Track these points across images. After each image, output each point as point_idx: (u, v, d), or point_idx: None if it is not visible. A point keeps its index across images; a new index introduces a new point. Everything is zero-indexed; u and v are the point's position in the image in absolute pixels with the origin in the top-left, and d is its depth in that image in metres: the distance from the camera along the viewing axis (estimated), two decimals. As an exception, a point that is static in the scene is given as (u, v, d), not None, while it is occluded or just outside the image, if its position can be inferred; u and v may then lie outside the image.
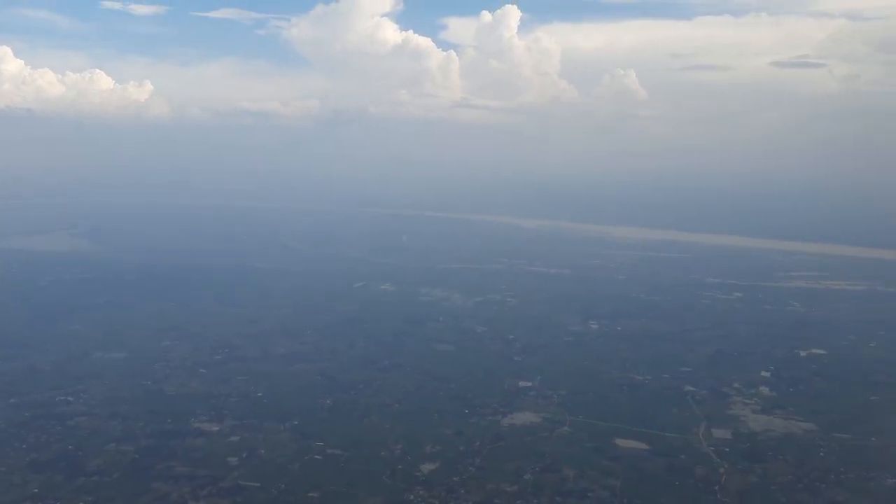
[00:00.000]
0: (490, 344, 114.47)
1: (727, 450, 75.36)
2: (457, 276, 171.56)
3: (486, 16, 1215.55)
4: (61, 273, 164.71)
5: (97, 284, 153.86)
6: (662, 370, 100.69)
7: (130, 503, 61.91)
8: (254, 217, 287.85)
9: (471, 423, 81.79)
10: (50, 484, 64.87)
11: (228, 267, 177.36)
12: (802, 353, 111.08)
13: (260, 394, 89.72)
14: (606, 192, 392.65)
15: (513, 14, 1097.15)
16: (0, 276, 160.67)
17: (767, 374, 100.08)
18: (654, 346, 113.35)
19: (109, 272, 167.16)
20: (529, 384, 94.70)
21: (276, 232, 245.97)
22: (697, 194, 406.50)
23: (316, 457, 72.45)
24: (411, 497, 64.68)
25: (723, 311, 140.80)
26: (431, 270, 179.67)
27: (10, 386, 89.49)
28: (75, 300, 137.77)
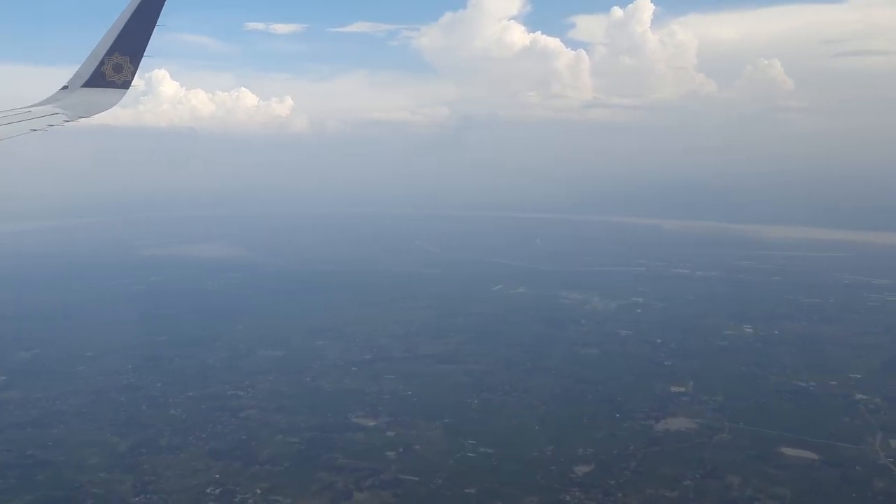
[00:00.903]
0: (636, 348, 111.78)
1: (909, 463, 69.65)
2: (595, 278, 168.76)
3: (617, 12, 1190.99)
4: (222, 278, 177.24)
5: (254, 288, 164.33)
6: (829, 376, 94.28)
7: (301, 490, 65.67)
8: (389, 223, 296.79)
9: (623, 426, 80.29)
10: (228, 470, 70.02)
11: (370, 271, 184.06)
12: None
13: (410, 392, 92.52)
14: (753, 189, 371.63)
15: (645, 8, 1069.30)
16: (171, 280, 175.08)
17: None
18: (817, 351, 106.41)
19: (264, 277, 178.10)
20: (682, 389, 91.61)
21: (412, 237, 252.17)
22: (855, 188, 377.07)
23: (469, 454, 73.71)
24: (567, 498, 64.40)
25: (895, 314, 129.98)
26: (568, 273, 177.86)
27: (187, 380, 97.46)
28: (237, 302, 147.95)
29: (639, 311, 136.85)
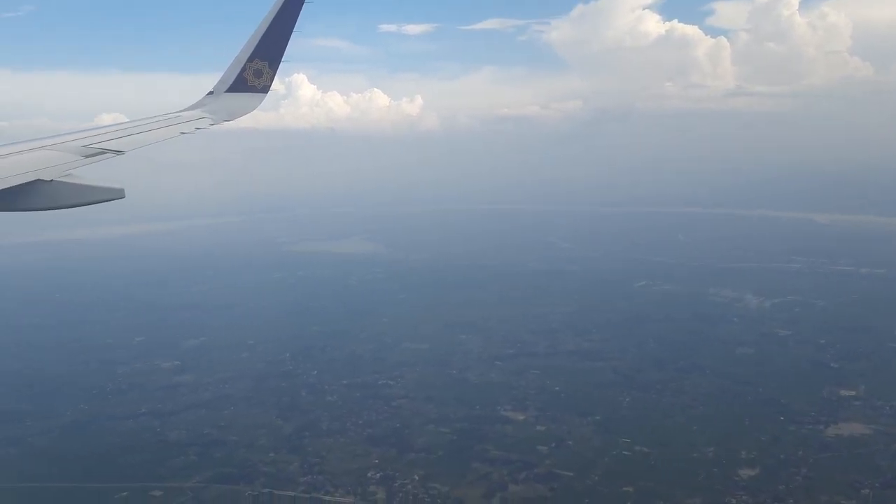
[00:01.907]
0: (797, 348, 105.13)
1: None
2: (746, 275, 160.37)
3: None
4: (363, 273, 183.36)
5: (394, 283, 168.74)
6: None
7: (457, 480, 66.83)
8: (523, 219, 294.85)
9: (788, 430, 75.85)
10: (386, 457, 72.38)
11: (505, 266, 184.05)
12: None
13: (557, 388, 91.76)
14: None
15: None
16: (316, 275, 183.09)
17: None
18: None
19: (402, 272, 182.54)
20: (853, 393, 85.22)
21: (546, 232, 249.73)
22: None
23: (624, 452, 72.18)
24: (733, 501, 61.78)
25: None
26: (716, 269, 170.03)
27: (340, 370, 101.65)
28: (379, 296, 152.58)
29: (797, 309, 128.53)
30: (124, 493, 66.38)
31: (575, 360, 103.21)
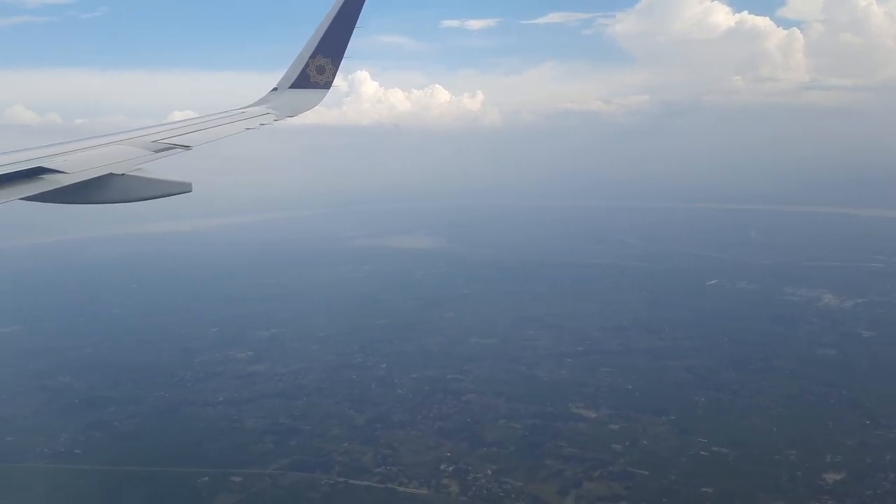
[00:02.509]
0: (884, 350, 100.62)
1: None
2: (824, 273, 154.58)
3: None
4: (429, 268, 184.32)
5: (459, 277, 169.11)
6: None
7: (530, 475, 66.52)
8: (588, 214, 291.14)
9: (875, 434, 72.85)
10: (458, 450, 72.60)
11: (571, 263, 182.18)
12: None
13: (630, 386, 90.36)
14: None
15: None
16: (382, 269, 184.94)
17: None
18: None
19: (467, 266, 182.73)
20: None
21: (613, 229, 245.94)
22: None
23: (701, 453, 70.57)
24: (819, 506, 59.67)
25: None
26: (791, 267, 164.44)
27: (409, 364, 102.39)
28: (445, 291, 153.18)
29: (881, 310, 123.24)
30: (205, 478, 68.42)
31: (647, 359, 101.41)
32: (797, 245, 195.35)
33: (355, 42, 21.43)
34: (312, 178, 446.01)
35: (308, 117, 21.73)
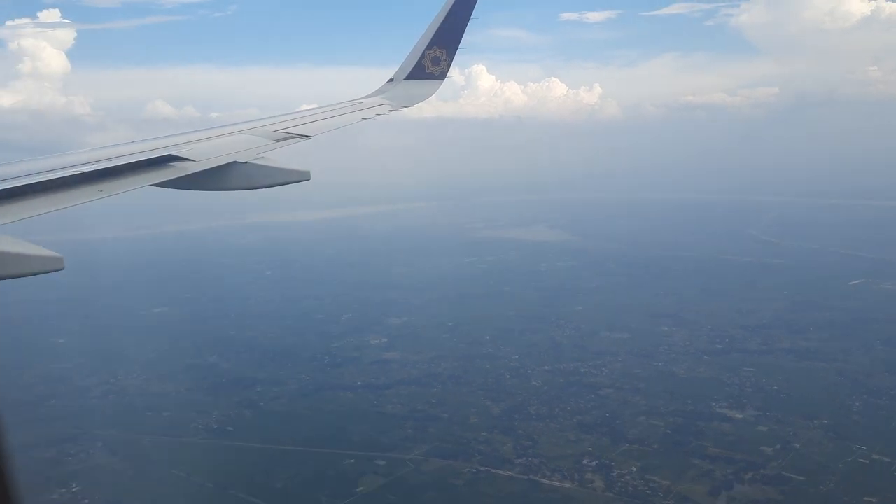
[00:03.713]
0: None
1: None
2: None
3: None
4: (553, 261, 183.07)
5: (585, 271, 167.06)
6: None
7: (678, 474, 65.14)
8: (717, 209, 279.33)
9: None
10: (599, 445, 72.07)
11: (704, 258, 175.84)
12: None
13: (776, 387, 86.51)
14: None
15: None
16: (507, 261, 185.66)
17: None
18: None
19: (592, 260, 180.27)
20: None
21: (744, 224, 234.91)
22: None
23: (861, 460, 66.74)
24: None
25: None
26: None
27: (541, 355, 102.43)
28: (571, 284, 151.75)
29: None
30: (351, 460, 71.31)
31: (793, 360, 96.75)
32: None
33: (472, 36, 21.53)
34: (431, 171, 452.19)
35: (425, 110, 22.11)
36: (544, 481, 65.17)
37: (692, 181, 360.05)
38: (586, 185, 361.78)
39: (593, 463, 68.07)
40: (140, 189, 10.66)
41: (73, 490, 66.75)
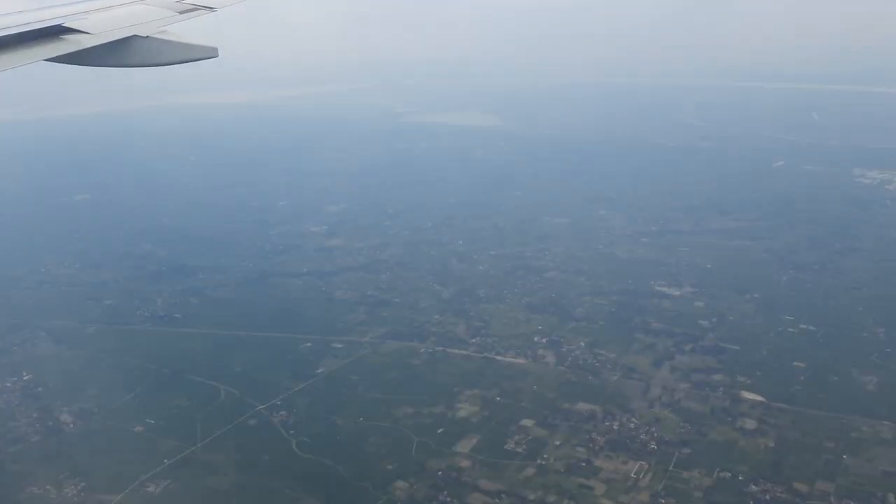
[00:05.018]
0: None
1: None
2: (893, 156, 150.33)
3: None
4: (488, 146, 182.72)
5: (520, 157, 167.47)
6: None
7: (623, 348, 68.73)
8: (646, 94, 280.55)
9: (966, 315, 73.38)
10: (548, 323, 74.82)
11: (636, 143, 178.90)
12: None
13: (709, 265, 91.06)
14: None
15: None
16: (441, 147, 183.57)
17: None
18: None
19: (526, 145, 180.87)
20: None
21: (673, 108, 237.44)
22: None
23: (790, 329, 71.92)
24: (915, 382, 61.14)
25: None
26: (859, 150, 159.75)
27: (485, 241, 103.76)
28: (509, 170, 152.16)
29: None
30: (308, 344, 71.86)
31: (723, 239, 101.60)
32: (863, 127, 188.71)
33: None
34: (353, 50, 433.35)
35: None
36: (499, 358, 67.69)
37: (623, 65, 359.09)
38: (512, 70, 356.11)
39: (544, 340, 70.90)
40: (30, 65, 9.47)
41: (25, 378, 65.38)
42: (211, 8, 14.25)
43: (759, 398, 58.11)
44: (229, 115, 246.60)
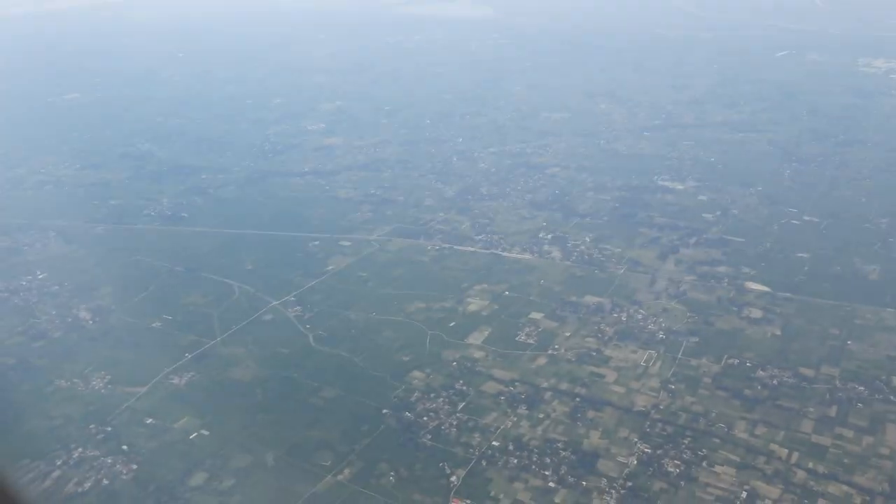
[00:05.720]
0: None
1: None
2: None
3: None
4: (482, 37, 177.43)
5: (516, 49, 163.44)
6: None
7: (627, 242, 69.38)
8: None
9: (966, 206, 74.13)
10: (552, 220, 75.15)
11: (635, 33, 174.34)
12: None
13: (712, 159, 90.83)
14: None
15: None
16: (435, 39, 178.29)
17: None
18: None
19: (521, 37, 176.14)
20: None
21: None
22: None
23: (793, 221, 72.69)
24: (915, 271, 62.44)
25: None
26: (865, 38, 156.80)
27: (484, 137, 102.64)
28: (504, 63, 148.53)
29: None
30: (316, 242, 72.12)
31: (727, 132, 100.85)
32: (866, 15, 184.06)
33: None
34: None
35: None
36: (506, 254, 68.29)
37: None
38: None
39: (549, 236, 71.39)
40: None
41: (40, 277, 65.83)
42: None
43: (765, 288, 59.33)
44: (211, 11, 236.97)
